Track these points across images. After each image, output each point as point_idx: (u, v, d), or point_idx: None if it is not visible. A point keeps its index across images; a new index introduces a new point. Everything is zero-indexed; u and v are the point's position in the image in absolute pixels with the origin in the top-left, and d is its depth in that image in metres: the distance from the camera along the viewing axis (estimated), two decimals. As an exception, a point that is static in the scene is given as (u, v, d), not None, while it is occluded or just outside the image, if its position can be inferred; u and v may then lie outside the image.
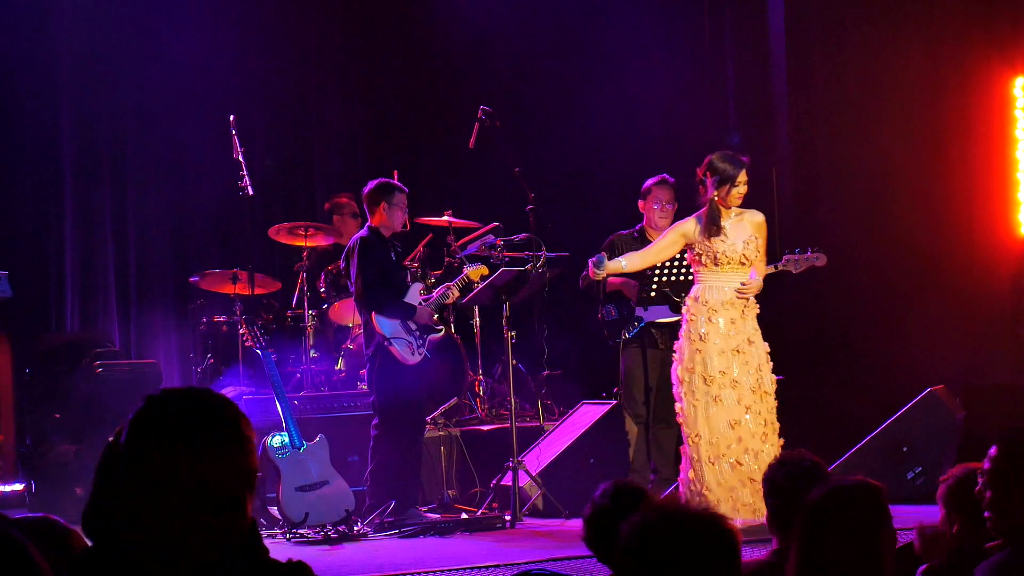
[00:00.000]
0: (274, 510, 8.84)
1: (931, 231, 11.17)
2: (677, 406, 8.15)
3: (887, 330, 11.15)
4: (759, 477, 7.76)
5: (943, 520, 4.66)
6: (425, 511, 9.05)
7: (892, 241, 11.22)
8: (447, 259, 10.45)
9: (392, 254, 9.03)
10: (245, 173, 9.59)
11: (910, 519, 7.64)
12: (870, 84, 11.43)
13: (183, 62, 11.76)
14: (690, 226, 8.22)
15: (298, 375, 10.44)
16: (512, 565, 7.13)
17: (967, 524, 4.53)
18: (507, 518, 8.72)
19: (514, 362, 9.77)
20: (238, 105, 10.35)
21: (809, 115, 11.59)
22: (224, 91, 11.65)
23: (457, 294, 9.23)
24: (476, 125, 9.86)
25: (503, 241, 10.05)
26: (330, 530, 8.56)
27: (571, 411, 10.07)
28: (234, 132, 9.65)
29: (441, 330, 9.48)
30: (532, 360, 11.00)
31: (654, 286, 8.96)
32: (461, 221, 10.88)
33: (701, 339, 8.04)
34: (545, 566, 6.89)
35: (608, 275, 8.57)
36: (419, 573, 7.18)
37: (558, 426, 9.93)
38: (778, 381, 10.24)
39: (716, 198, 8.14)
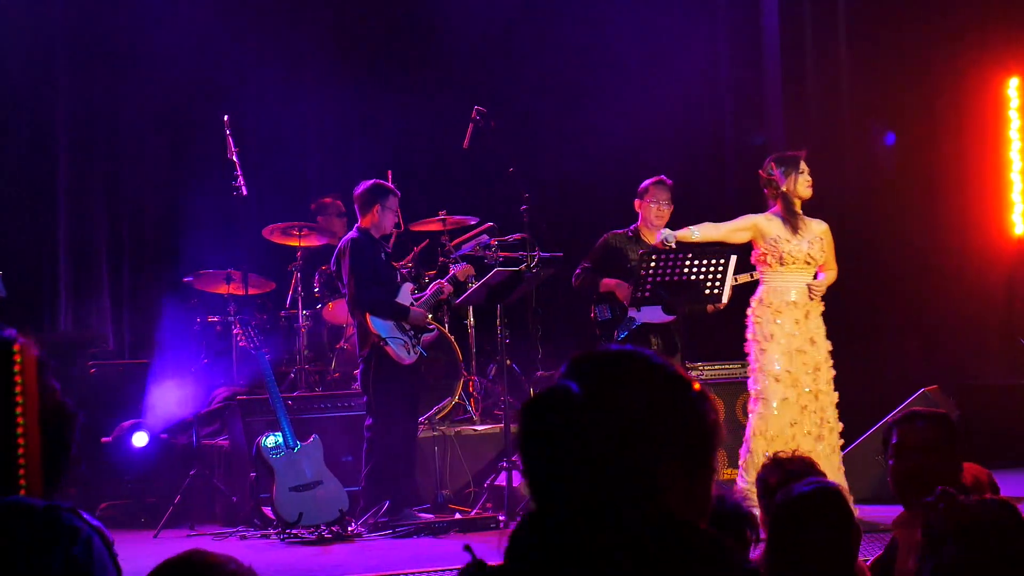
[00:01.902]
0: (268, 510, 8.83)
1: (926, 231, 11.19)
2: (758, 406, 8.21)
3: (881, 329, 11.16)
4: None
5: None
6: (419, 511, 9.04)
7: (886, 241, 11.23)
8: (441, 259, 10.44)
9: (382, 254, 9.03)
10: (239, 173, 9.58)
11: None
12: (864, 85, 11.44)
13: (178, 63, 11.75)
14: (764, 223, 8.33)
15: (292, 375, 10.43)
16: (506, 565, 7.12)
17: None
18: (501, 518, 8.71)
19: (508, 362, 9.76)
20: (232, 105, 10.34)
21: (803, 116, 11.60)
22: (218, 91, 11.65)
23: (451, 289, 9.22)
24: (470, 125, 9.85)
25: (497, 241, 10.04)
26: (324, 530, 8.56)
27: (565, 411, 10.05)
28: (228, 132, 9.65)
29: (433, 329, 9.47)
30: (526, 360, 10.99)
31: (648, 287, 8.95)
32: (456, 218, 10.86)
33: (767, 339, 8.20)
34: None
35: (680, 242, 8.54)
36: (413, 573, 7.18)
37: (552, 426, 9.91)
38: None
39: (787, 190, 8.29)
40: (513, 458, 9.07)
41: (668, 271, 8.88)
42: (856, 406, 10.47)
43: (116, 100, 11.83)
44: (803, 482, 3.83)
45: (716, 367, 10.35)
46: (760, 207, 8.61)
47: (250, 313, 10.30)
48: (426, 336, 9.10)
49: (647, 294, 8.99)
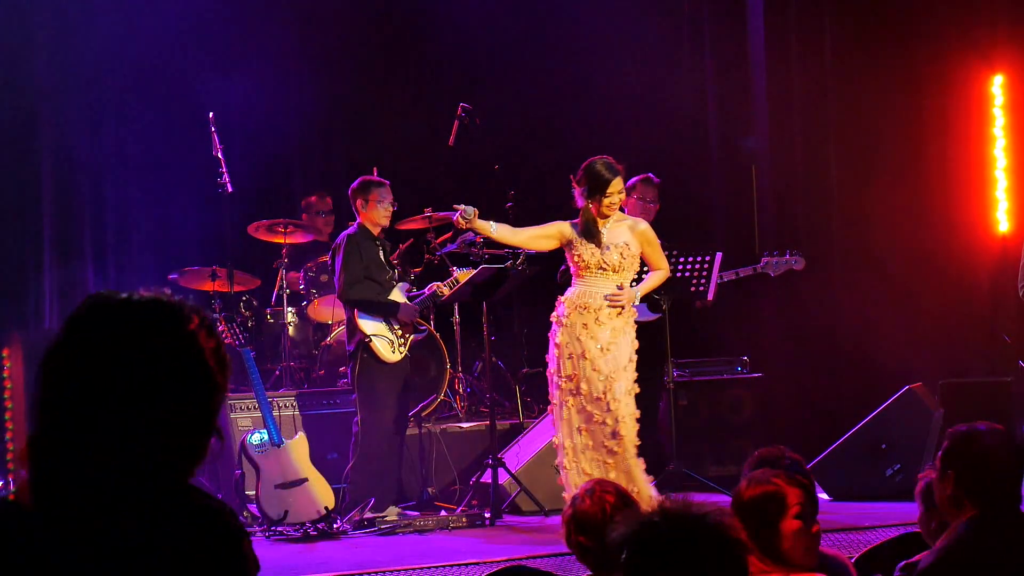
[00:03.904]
0: (254, 507, 8.82)
1: (910, 229, 11.20)
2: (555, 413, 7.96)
3: (866, 328, 11.17)
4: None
5: (922, 517, 4.69)
6: (404, 509, 9.04)
7: (871, 239, 11.24)
8: (427, 256, 10.43)
9: (380, 252, 9.03)
10: (224, 170, 9.58)
11: (889, 516, 7.70)
12: (849, 82, 11.45)
13: (162, 59, 11.72)
14: (567, 229, 7.99)
15: (277, 372, 10.42)
16: (491, 563, 7.13)
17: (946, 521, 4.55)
18: (486, 515, 8.71)
19: (494, 359, 9.77)
20: (217, 102, 10.32)
21: (788, 114, 11.60)
22: (203, 88, 11.62)
23: (448, 292, 9.23)
24: (456, 122, 9.85)
25: (483, 239, 10.04)
26: (309, 527, 8.55)
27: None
28: (213, 129, 9.65)
29: (425, 331, 9.46)
30: (512, 357, 10.99)
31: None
32: (441, 215, 10.84)
33: (556, 345, 7.91)
34: (524, 563, 6.89)
35: (473, 229, 8.22)
36: (398, 571, 7.18)
37: (537, 423, 9.93)
38: (754, 379, 10.29)
39: (590, 206, 7.91)
40: (499, 455, 9.08)
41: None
42: (842, 404, 10.52)
43: (101, 98, 11.80)
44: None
45: (702, 365, 10.37)
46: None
47: (235, 310, 10.30)
48: (415, 336, 9.10)
49: (633, 291, 9.00)
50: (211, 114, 9.69)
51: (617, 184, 7.87)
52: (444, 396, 10.49)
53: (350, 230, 9.01)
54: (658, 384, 9.39)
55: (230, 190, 9.61)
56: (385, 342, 8.84)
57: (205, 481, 9.62)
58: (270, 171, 12.40)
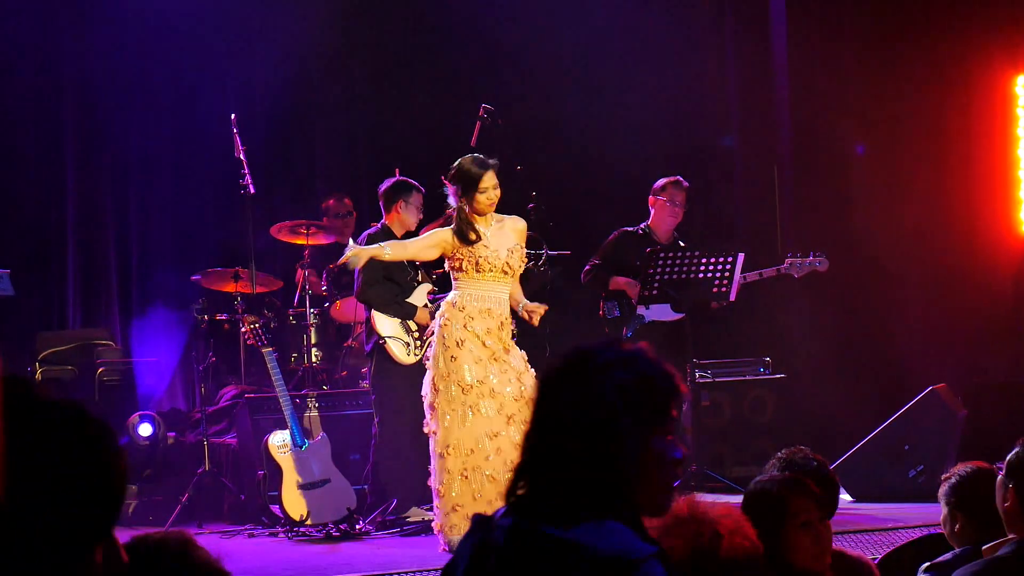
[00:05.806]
0: (276, 508, 8.84)
1: (932, 229, 11.18)
2: (428, 416, 7.58)
3: (889, 328, 11.16)
4: None
5: (945, 518, 4.67)
6: (426, 509, 9.04)
7: (894, 239, 11.23)
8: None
9: (402, 253, 9.03)
10: (246, 172, 9.61)
11: (912, 518, 7.68)
12: (871, 82, 11.43)
13: (185, 60, 11.76)
14: (447, 236, 7.64)
15: (300, 373, 10.44)
16: (513, 563, 7.11)
17: (969, 522, 4.54)
18: (508, 516, 8.68)
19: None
20: (240, 104, 10.35)
21: (811, 114, 11.59)
22: (226, 90, 11.66)
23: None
24: (478, 123, 9.84)
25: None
26: (332, 528, 8.57)
27: (572, 409, 10.04)
28: (235, 131, 9.67)
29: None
30: (532, 358, 10.96)
31: (656, 284, 8.95)
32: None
33: (458, 346, 7.51)
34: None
35: (369, 257, 7.85)
36: (421, 571, 7.18)
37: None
38: (777, 380, 10.27)
39: (464, 207, 7.59)
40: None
41: (676, 269, 8.89)
42: (865, 405, 10.48)
43: (124, 99, 11.84)
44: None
45: (724, 366, 10.35)
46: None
47: (258, 311, 10.32)
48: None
49: (655, 292, 8.99)
50: (233, 115, 9.71)
51: (490, 179, 7.55)
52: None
53: (372, 230, 9.02)
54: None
55: (252, 191, 9.64)
56: (400, 344, 8.83)
57: (228, 482, 9.65)
58: (293, 172, 12.43)
